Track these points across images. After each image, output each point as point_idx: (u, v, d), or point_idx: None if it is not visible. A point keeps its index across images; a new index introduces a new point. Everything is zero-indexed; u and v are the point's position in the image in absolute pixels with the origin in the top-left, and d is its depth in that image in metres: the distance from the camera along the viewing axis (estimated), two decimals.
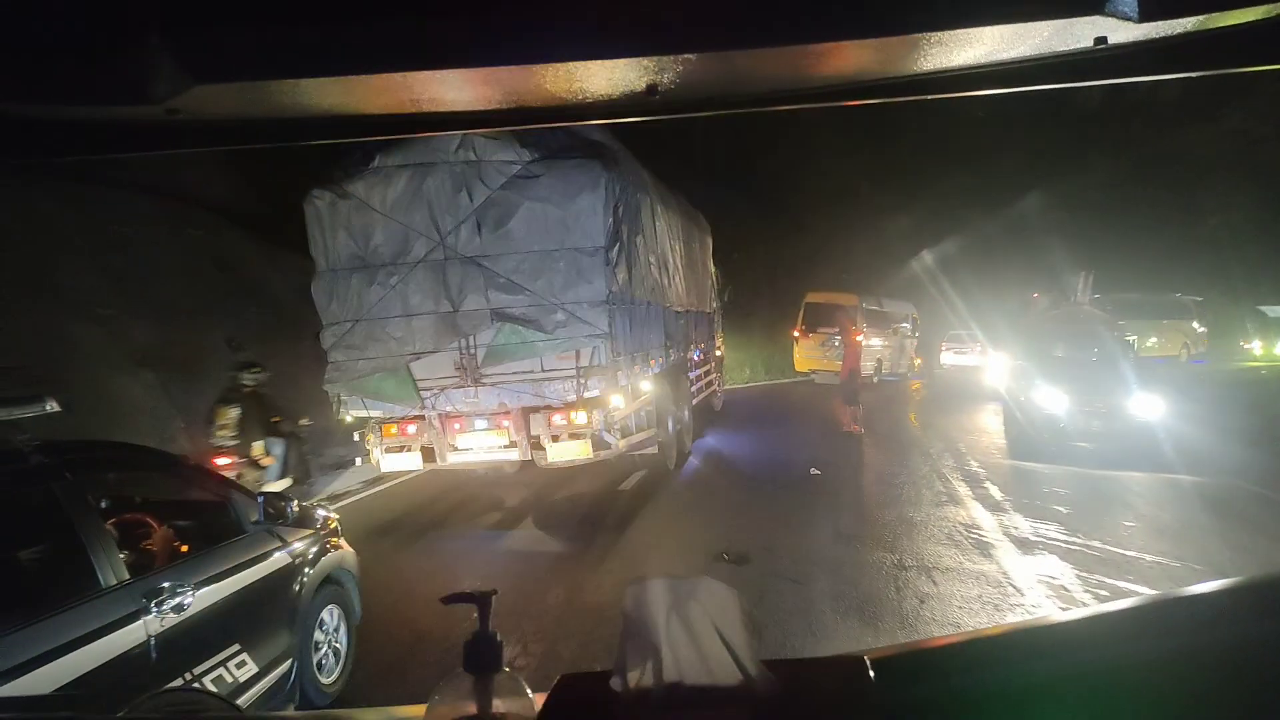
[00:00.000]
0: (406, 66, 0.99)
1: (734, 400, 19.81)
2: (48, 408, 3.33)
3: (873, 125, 27.64)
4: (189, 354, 11.31)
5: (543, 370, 8.51)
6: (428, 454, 8.96)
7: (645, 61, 1.01)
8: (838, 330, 22.51)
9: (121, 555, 3.47)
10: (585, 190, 8.24)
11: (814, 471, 10.79)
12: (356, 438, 9.01)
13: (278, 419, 8.55)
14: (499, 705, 0.85)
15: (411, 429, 8.86)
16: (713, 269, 16.59)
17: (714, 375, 16.85)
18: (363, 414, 8.83)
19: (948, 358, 27.16)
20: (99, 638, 3.11)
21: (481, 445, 8.85)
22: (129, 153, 1.20)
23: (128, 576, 3.36)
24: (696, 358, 14.40)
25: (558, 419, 8.61)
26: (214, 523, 4.33)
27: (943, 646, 0.98)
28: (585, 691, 0.88)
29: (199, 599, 3.69)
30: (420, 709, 0.89)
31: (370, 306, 8.54)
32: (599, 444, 8.76)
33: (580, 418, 8.56)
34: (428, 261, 8.44)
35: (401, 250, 8.46)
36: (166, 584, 3.53)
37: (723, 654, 0.83)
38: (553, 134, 8.56)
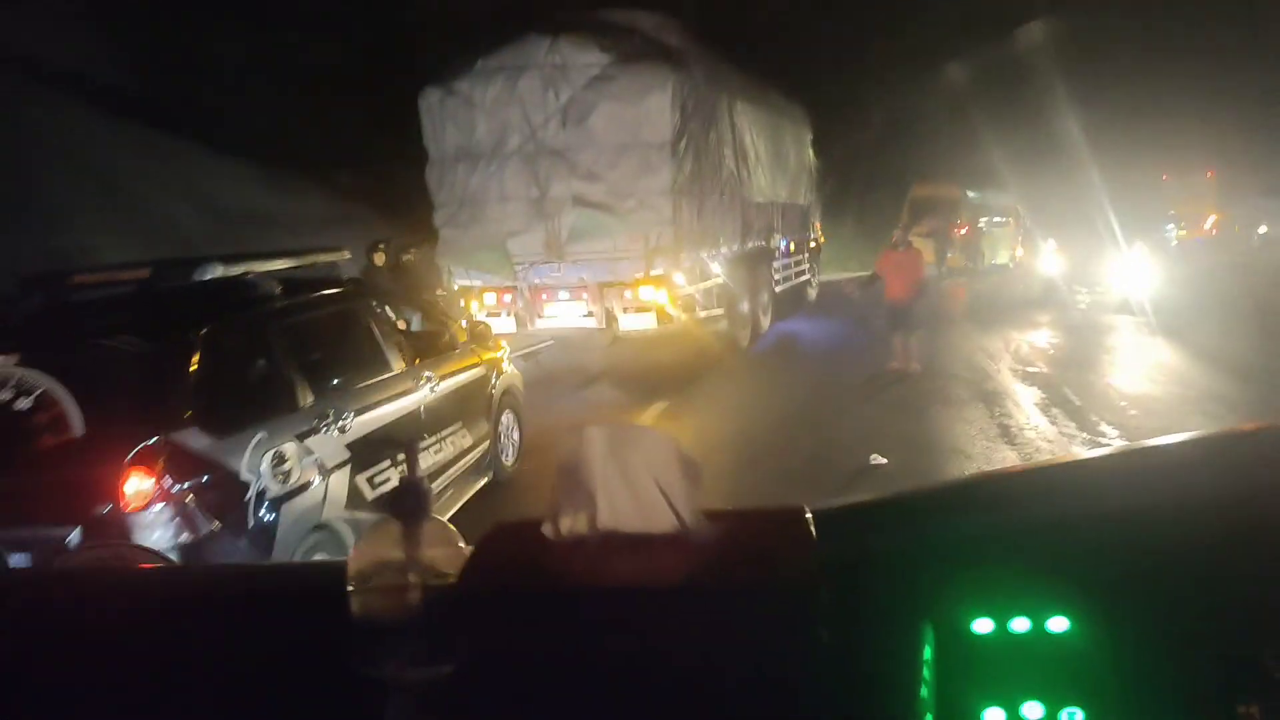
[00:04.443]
0: None
1: (832, 292, 20.44)
2: (346, 254, 5.29)
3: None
4: None
5: (616, 250, 9.81)
6: (520, 320, 10.51)
7: None
8: (941, 223, 22.60)
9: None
10: (654, 91, 9.32)
11: (876, 460, 6.74)
12: (460, 304, 10.62)
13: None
14: (428, 551, 0.82)
15: (507, 298, 10.40)
16: (810, 160, 17.16)
17: (806, 266, 17.59)
18: (466, 283, 10.44)
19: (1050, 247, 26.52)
20: (398, 400, 4.73)
21: (564, 313, 10.32)
22: None
23: (405, 366, 5.01)
24: (783, 247, 15.26)
25: (628, 293, 9.94)
26: (437, 339, 6.00)
27: (884, 501, 0.97)
28: (517, 539, 0.87)
29: (441, 387, 5.31)
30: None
31: (473, 191, 10.03)
32: (664, 317, 10.06)
33: (646, 293, 9.86)
34: (520, 153, 9.80)
35: (499, 142, 9.84)
36: (426, 374, 5.16)
37: (659, 502, 0.83)
38: (629, 39, 9.62)
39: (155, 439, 3.06)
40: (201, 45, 14.10)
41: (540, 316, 10.40)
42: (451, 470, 5.29)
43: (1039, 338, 12.93)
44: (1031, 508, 0.91)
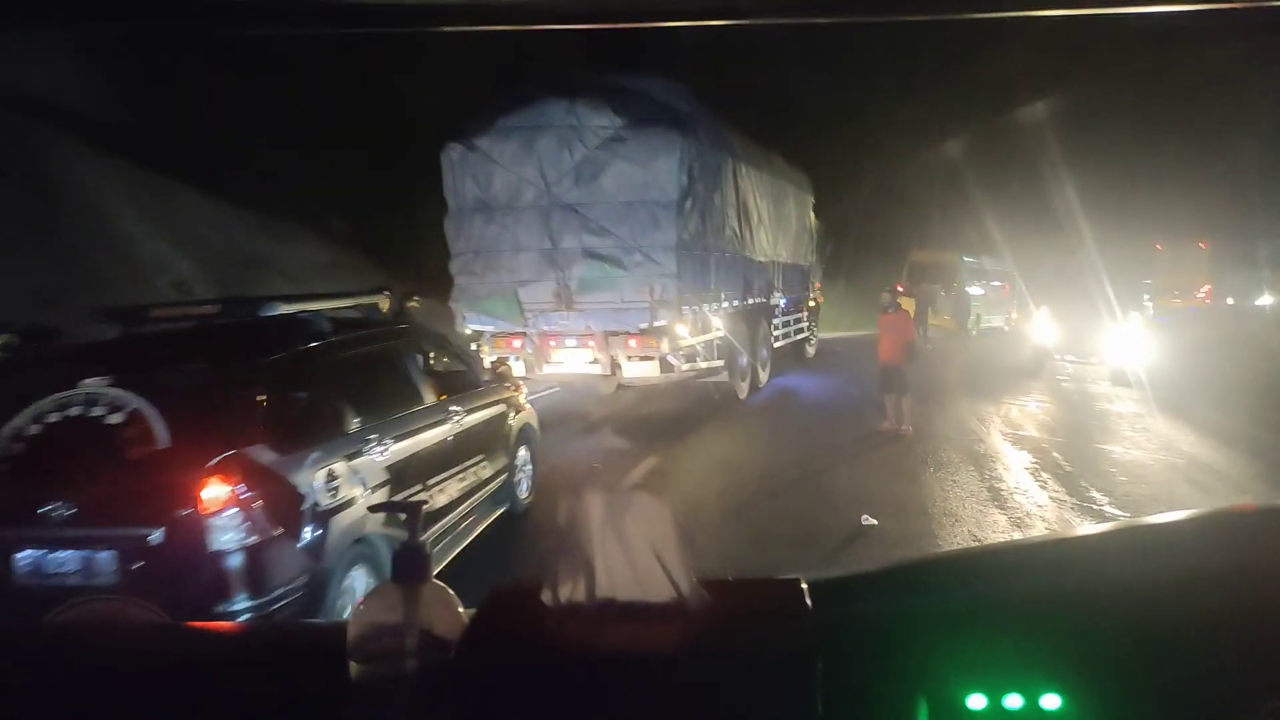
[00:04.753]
0: None
1: (828, 350, 20.96)
2: (388, 299, 5.81)
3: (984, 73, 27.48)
4: None
5: (622, 301, 10.32)
6: (529, 365, 10.97)
7: None
8: (941, 287, 23.30)
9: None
10: (663, 153, 9.92)
11: (867, 521, 6.84)
12: (473, 348, 11.08)
13: None
14: (427, 615, 0.82)
15: (517, 343, 10.87)
16: (812, 223, 17.82)
17: (805, 323, 18.13)
18: (479, 328, 10.92)
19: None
20: (428, 430, 5.16)
21: (571, 360, 10.79)
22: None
23: (434, 400, 5.45)
24: (783, 304, 15.80)
25: (632, 343, 10.42)
26: (462, 377, 6.42)
27: (880, 572, 0.98)
28: (516, 604, 0.88)
29: (466, 421, 5.73)
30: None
31: (488, 241, 10.57)
32: (665, 366, 10.53)
33: (650, 343, 10.34)
34: (535, 206, 10.36)
35: (515, 196, 10.41)
36: (453, 408, 5.63)
37: (656, 569, 0.84)
38: (640, 104, 10.26)
39: (230, 452, 3.50)
40: (200, 89, 14.37)
41: (548, 362, 10.86)
42: (473, 498, 5.70)
43: (1030, 403, 13.21)
44: (1028, 582, 0.93)
